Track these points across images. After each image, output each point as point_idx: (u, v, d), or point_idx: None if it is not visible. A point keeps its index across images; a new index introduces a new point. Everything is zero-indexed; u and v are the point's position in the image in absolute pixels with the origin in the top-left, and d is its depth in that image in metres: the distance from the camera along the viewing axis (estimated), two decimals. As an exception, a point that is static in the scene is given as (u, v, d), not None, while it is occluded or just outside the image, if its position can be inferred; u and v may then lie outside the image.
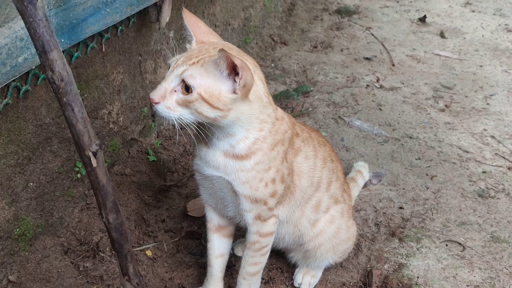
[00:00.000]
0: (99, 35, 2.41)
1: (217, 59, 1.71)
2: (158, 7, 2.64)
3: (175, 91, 1.78)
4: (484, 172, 3.20)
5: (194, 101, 1.75)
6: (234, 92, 1.76)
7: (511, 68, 4.47)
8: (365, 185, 3.02)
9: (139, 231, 2.62)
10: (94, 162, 1.40)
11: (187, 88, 1.75)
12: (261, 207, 2.00)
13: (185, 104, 1.76)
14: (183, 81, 1.75)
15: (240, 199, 1.97)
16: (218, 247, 2.24)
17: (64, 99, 1.33)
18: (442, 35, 5.02)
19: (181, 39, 3.06)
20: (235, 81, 1.74)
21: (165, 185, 2.89)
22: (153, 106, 1.78)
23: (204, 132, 1.86)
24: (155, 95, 1.77)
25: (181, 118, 1.79)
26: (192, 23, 1.94)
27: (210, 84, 1.75)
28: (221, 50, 1.67)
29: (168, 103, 1.78)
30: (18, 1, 1.27)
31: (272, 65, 4.30)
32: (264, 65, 4.26)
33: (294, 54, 4.49)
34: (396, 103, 3.86)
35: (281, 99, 3.80)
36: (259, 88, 1.87)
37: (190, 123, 1.80)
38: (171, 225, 2.69)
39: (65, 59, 1.31)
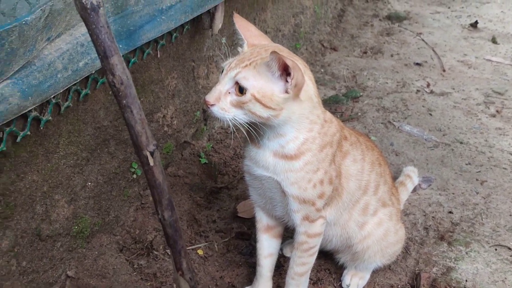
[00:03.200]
0: (155, 41, 2.50)
1: (269, 61, 1.77)
2: (211, 14, 2.72)
3: (229, 93, 1.84)
4: (535, 178, 3.17)
5: (247, 102, 1.81)
6: (286, 92, 1.81)
7: None
8: (414, 190, 3.03)
9: (191, 231, 2.70)
10: (151, 161, 1.47)
11: (241, 90, 1.81)
12: (309, 208, 2.05)
13: (239, 105, 1.82)
14: (236, 83, 1.81)
15: (288, 199, 2.02)
16: (267, 247, 2.29)
17: (124, 101, 1.41)
18: (494, 40, 4.98)
19: (233, 45, 3.13)
20: (286, 81, 1.79)
21: (216, 187, 2.96)
22: (208, 108, 1.84)
23: (255, 132, 1.92)
24: (210, 98, 1.84)
25: (235, 119, 1.85)
26: (243, 27, 2.00)
27: (263, 85, 1.81)
28: (273, 52, 1.73)
29: (223, 104, 1.84)
30: (82, 9, 1.35)
31: (322, 70, 4.34)
32: (314, 71, 4.30)
33: (344, 59, 4.52)
34: (446, 108, 3.85)
35: (330, 104, 3.83)
36: (310, 87, 1.92)
37: (243, 123, 1.86)
38: (221, 225, 2.76)
39: (124, 64, 1.39)
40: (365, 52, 4.69)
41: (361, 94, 4.00)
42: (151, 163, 1.47)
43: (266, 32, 3.76)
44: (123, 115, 1.43)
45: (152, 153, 1.47)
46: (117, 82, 1.39)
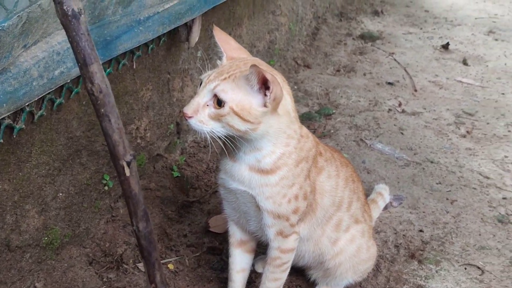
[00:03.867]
0: (131, 52, 2.49)
1: (248, 74, 1.77)
2: (188, 27, 2.72)
3: (207, 105, 1.83)
4: (504, 198, 3.21)
5: (226, 115, 1.80)
6: (265, 106, 1.81)
7: (534, 97, 4.49)
8: (385, 208, 3.05)
9: (162, 245, 2.67)
10: (127, 171, 1.46)
11: (219, 103, 1.80)
12: (283, 223, 2.04)
13: (217, 118, 1.82)
14: (215, 95, 1.81)
15: (263, 214, 2.02)
16: (240, 262, 2.28)
17: (102, 110, 1.39)
18: (464, 62, 5.06)
19: (209, 59, 3.13)
20: (265, 95, 1.79)
21: (188, 201, 2.94)
22: (186, 120, 1.84)
23: (232, 146, 1.91)
24: (188, 110, 1.83)
25: (213, 132, 1.84)
26: (223, 40, 2.01)
27: (242, 98, 1.81)
28: (253, 65, 1.73)
29: (201, 117, 1.83)
30: (63, 16, 1.34)
31: (295, 87, 4.36)
32: (287, 87, 4.31)
33: (317, 77, 4.55)
34: (417, 127, 3.90)
35: (303, 121, 3.83)
36: (288, 102, 1.93)
37: (221, 136, 1.86)
38: (193, 240, 2.74)
39: (104, 72, 1.37)
40: (338, 70, 4.73)
41: (333, 111, 4.02)
42: (127, 173, 1.45)
43: (241, 47, 3.76)
44: (100, 124, 1.41)
45: (128, 163, 1.45)
46: (96, 91, 1.37)
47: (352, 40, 5.36)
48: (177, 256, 2.64)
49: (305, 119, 3.88)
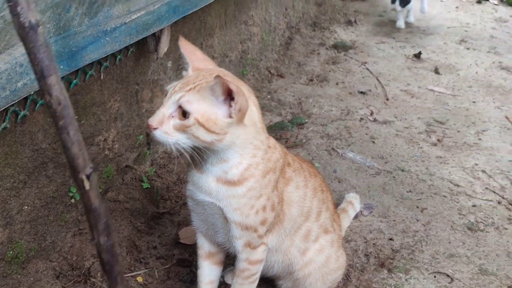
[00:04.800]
0: (98, 63, 2.47)
1: (213, 85, 1.76)
2: (156, 38, 2.70)
3: (172, 116, 1.82)
4: (474, 205, 3.24)
5: (191, 126, 1.79)
6: (230, 116, 1.80)
7: (504, 105, 4.54)
8: (356, 216, 3.05)
9: (131, 257, 2.64)
10: (87, 184, 1.43)
11: (184, 114, 1.79)
12: (251, 234, 2.03)
13: (182, 129, 1.81)
14: (180, 107, 1.80)
15: (230, 225, 2.00)
16: (208, 274, 2.26)
17: (61, 122, 1.37)
18: (436, 71, 5.11)
19: (179, 69, 3.12)
20: (230, 105, 1.78)
21: (158, 212, 2.92)
22: (151, 131, 1.82)
23: (199, 157, 1.90)
24: (153, 121, 1.81)
25: (178, 143, 1.83)
26: (189, 50, 2.00)
27: (207, 109, 1.80)
28: (217, 76, 1.72)
29: (166, 128, 1.82)
30: (20, 27, 1.31)
31: (268, 96, 4.37)
32: (260, 97, 4.32)
33: (290, 86, 4.56)
34: (389, 136, 3.92)
35: (276, 130, 3.85)
36: (254, 113, 1.92)
37: (186, 148, 1.84)
38: (162, 252, 2.71)
39: (62, 84, 1.35)
40: (311, 80, 4.74)
41: (306, 121, 4.03)
42: (87, 187, 1.43)
43: (213, 58, 3.76)
44: (59, 136, 1.39)
45: (88, 177, 1.43)
46: (54, 103, 1.35)
47: (325, 50, 5.38)
48: (146, 269, 2.61)
49: (278, 128, 3.88)
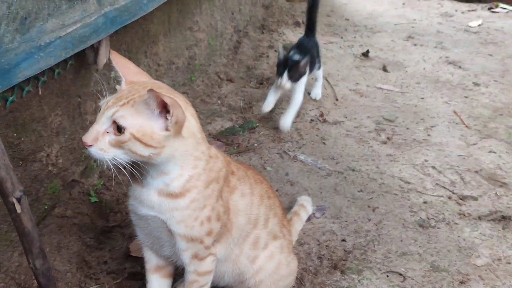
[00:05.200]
0: (35, 78, 2.41)
1: (147, 99, 1.73)
2: (95, 49, 2.66)
3: (107, 132, 1.78)
4: (425, 202, 3.27)
5: (127, 141, 1.76)
6: (167, 129, 1.78)
7: (452, 99, 4.61)
8: (308, 219, 3.06)
9: (81, 274, 2.59)
10: (18, 208, 1.40)
11: (119, 129, 1.76)
12: (197, 246, 2.01)
13: (118, 145, 1.77)
14: (114, 122, 1.76)
15: (175, 238, 1.98)
16: (158, 287, 2.23)
17: (-15, 146, 1.34)
18: (384, 69, 5.16)
19: (118, 82, 3.08)
20: (166, 118, 1.76)
21: (108, 226, 2.87)
22: (87, 149, 1.79)
23: (138, 171, 1.87)
24: (87, 138, 1.78)
25: (115, 159, 1.79)
26: (121, 64, 1.96)
27: (142, 123, 1.77)
28: (150, 90, 1.69)
29: (101, 145, 1.78)
30: None
31: (219, 102, 4.34)
32: (210, 102, 4.30)
33: (240, 90, 4.55)
34: (339, 136, 3.94)
35: (227, 135, 3.83)
36: (192, 124, 1.90)
37: (124, 163, 1.81)
38: (113, 266, 2.67)
39: (-15, 107, 1.32)
40: (261, 83, 4.73)
41: (257, 124, 4.02)
42: (18, 210, 1.40)
43: (158, 65, 3.72)
44: (-15, 161, 1.36)
45: (19, 200, 1.39)
46: (-23, 127, 1.32)
47: (275, 52, 5.38)
48: (97, 284, 2.57)
49: (229, 133, 3.86)
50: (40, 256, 1.46)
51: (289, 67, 3.89)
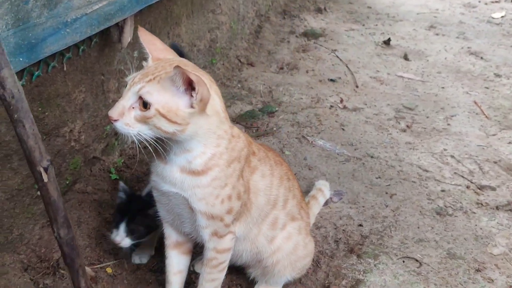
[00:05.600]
0: (60, 54, 2.44)
1: (173, 75, 1.75)
2: (120, 28, 2.67)
3: (133, 108, 1.80)
4: (443, 190, 3.27)
5: (152, 117, 1.78)
6: (192, 107, 1.79)
7: (472, 90, 4.58)
8: (326, 203, 3.07)
9: (100, 249, 2.63)
10: (45, 177, 1.42)
11: (145, 105, 1.78)
12: (217, 224, 2.03)
13: (144, 120, 1.79)
14: (140, 98, 1.78)
15: (196, 215, 2.00)
16: (177, 263, 2.26)
17: (15, 115, 1.36)
18: (405, 57, 5.14)
19: (145, 59, 3.10)
20: (191, 95, 1.77)
21: (127, 203, 2.90)
22: (112, 123, 1.81)
23: (162, 147, 1.89)
24: (113, 113, 1.80)
25: (140, 134, 1.81)
26: (148, 41, 1.98)
27: (168, 99, 1.78)
28: (177, 67, 1.71)
29: (127, 120, 1.80)
30: (-30, 20, 1.30)
31: (239, 85, 4.36)
32: (230, 86, 4.31)
33: (261, 75, 4.56)
34: (358, 123, 3.94)
35: (246, 119, 3.84)
36: (216, 102, 1.91)
37: (149, 139, 1.83)
38: (132, 243, 2.70)
39: (16, 77, 1.34)
40: (282, 68, 4.74)
41: (276, 109, 4.03)
42: (45, 180, 1.42)
43: (180, 47, 3.74)
44: (15, 130, 1.38)
45: (46, 169, 1.42)
46: (8, 96, 1.34)
47: (295, 38, 5.38)
48: (115, 260, 2.60)
49: (249, 117, 3.88)
50: (64, 225, 1.49)
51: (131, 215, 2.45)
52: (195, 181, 1.94)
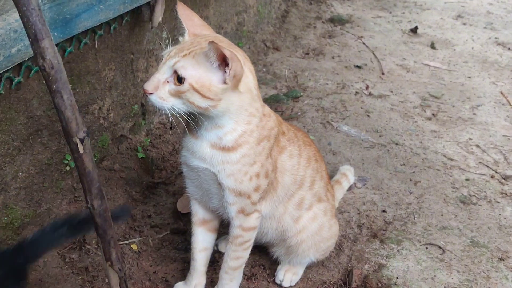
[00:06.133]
0: (92, 31, 2.46)
1: (207, 50, 1.77)
2: (151, 7, 2.69)
3: (167, 82, 1.83)
4: (467, 179, 3.26)
5: (185, 91, 1.80)
6: (225, 82, 1.81)
7: (499, 80, 4.54)
8: (349, 188, 3.07)
9: (126, 226, 2.66)
10: (81, 148, 1.45)
11: (179, 79, 1.80)
12: (244, 201, 2.05)
13: (177, 95, 1.81)
14: (175, 72, 1.80)
15: (224, 191, 2.02)
16: (202, 240, 2.28)
17: (54, 86, 1.38)
18: (432, 46, 5.10)
19: (174, 39, 3.11)
20: (225, 71, 1.79)
21: (153, 182, 2.93)
22: (147, 96, 1.84)
23: (194, 123, 1.91)
24: (148, 86, 1.82)
25: (173, 108, 1.84)
26: (186, 16, 1.99)
27: (201, 74, 1.80)
28: (211, 42, 1.72)
29: (161, 93, 1.83)
30: (13, -10, 1.32)
31: (264, 69, 4.36)
32: (256, 70, 4.27)
33: (286, 60, 4.55)
34: (384, 110, 3.93)
35: (271, 103, 3.85)
36: (249, 79, 1.93)
37: (182, 113, 1.85)
38: (157, 221, 2.74)
39: (55, 48, 1.36)
40: (307, 53, 4.73)
41: (301, 94, 4.03)
42: (81, 151, 1.44)
43: (208, 29, 3.74)
44: (53, 100, 1.40)
45: (82, 140, 1.44)
46: (47, 66, 1.36)
47: (322, 24, 5.36)
48: (141, 237, 2.64)
49: (273, 101, 3.88)
50: (98, 196, 1.51)
51: None
52: (225, 157, 1.96)
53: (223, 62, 1.77)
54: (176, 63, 1.80)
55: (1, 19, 1.89)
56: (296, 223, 2.30)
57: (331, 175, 3.08)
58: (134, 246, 2.56)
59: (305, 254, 2.38)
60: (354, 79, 4.33)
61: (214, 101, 1.81)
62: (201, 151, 1.97)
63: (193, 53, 1.81)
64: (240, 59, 1.80)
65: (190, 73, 1.79)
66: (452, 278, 2.54)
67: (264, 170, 2.03)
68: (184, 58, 1.80)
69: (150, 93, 1.81)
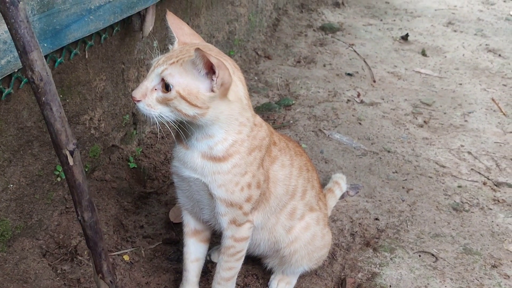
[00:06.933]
0: (83, 42, 2.46)
1: (194, 58, 1.77)
2: (141, 17, 2.69)
3: (155, 89, 1.83)
4: (459, 186, 3.26)
5: (173, 99, 1.80)
6: (212, 90, 1.81)
7: (490, 87, 4.56)
8: (342, 196, 3.07)
9: (118, 236, 2.65)
10: (70, 160, 1.44)
11: (167, 87, 1.80)
12: (236, 212, 2.04)
13: (165, 102, 1.81)
14: (162, 79, 1.80)
15: (215, 202, 2.01)
16: (194, 251, 2.27)
17: (43, 98, 1.37)
18: (423, 53, 5.12)
19: (165, 49, 3.11)
20: (212, 79, 1.79)
21: (145, 192, 2.92)
22: (135, 104, 1.84)
23: (183, 132, 1.90)
24: (136, 93, 1.82)
25: (161, 116, 1.83)
26: (176, 25, 2.00)
27: (189, 82, 1.80)
28: (197, 49, 1.72)
29: (149, 101, 1.82)
30: (1, 3, 1.31)
31: (256, 78, 4.36)
32: (247, 78, 4.31)
33: (278, 68, 4.56)
34: (375, 118, 3.93)
35: (263, 111, 3.85)
36: (239, 88, 1.92)
37: (170, 121, 1.85)
38: (149, 231, 2.72)
39: (44, 60, 1.35)
40: (299, 62, 4.74)
41: (293, 102, 4.03)
42: (71, 163, 1.43)
43: (199, 38, 3.74)
44: (42, 112, 1.39)
45: (71, 152, 1.43)
46: (36, 79, 1.35)
47: (313, 32, 5.37)
48: (133, 247, 2.62)
49: (265, 109, 3.88)
50: (89, 208, 1.50)
51: None
52: (216, 167, 1.95)
53: (211, 70, 1.77)
54: (163, 71, 1.80)
55: (-10, 31, 1.88)
56: (288, 233, 2.29)
57: (324, 183, 3.07)
58: (126, 257, 2.55)
59: (299, 264, 2.37)
60: (346, 87, 4.34)
61: (202, 109, 1.81)
62: (192, 161, 1.96)
63: (181, 61, 1.81)
64: (228, 67, 1.80)
65: (177, 81, 1.79)
66: (446, 286, 2.54)
67: (256, 180, 2.02)
68: (172, 66, 1.80)
69: (138, 101, 1.81)
